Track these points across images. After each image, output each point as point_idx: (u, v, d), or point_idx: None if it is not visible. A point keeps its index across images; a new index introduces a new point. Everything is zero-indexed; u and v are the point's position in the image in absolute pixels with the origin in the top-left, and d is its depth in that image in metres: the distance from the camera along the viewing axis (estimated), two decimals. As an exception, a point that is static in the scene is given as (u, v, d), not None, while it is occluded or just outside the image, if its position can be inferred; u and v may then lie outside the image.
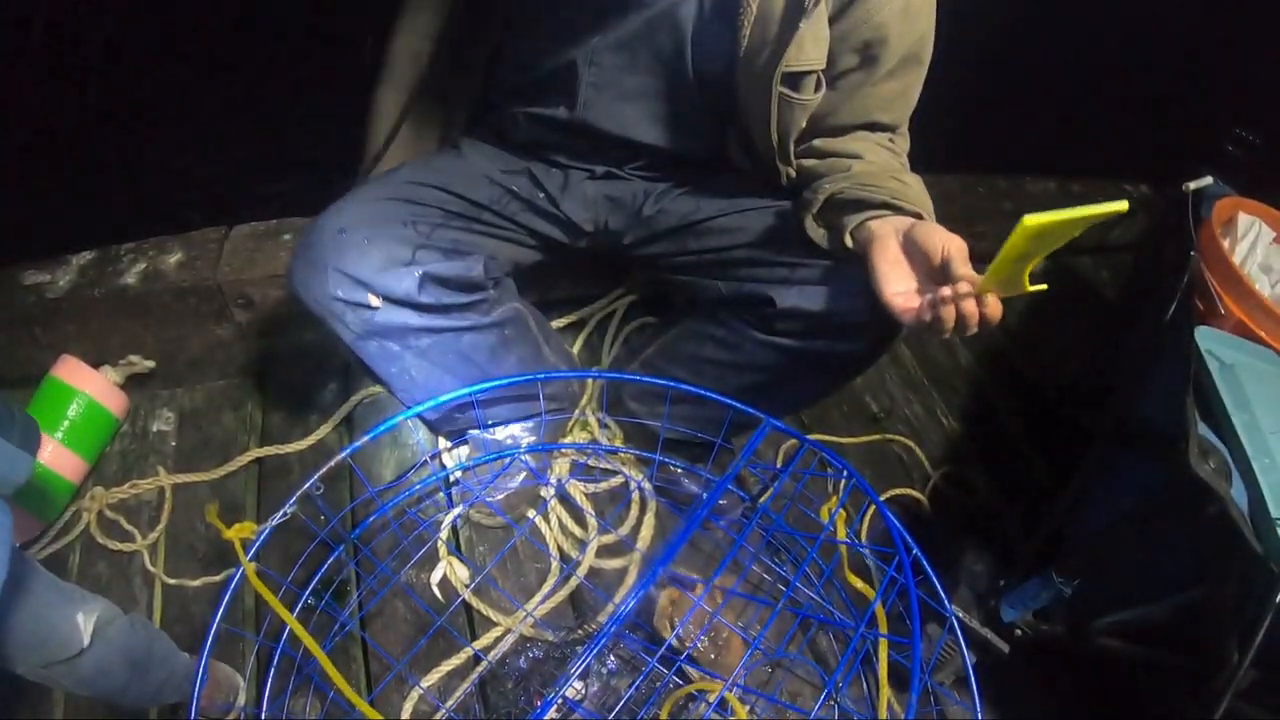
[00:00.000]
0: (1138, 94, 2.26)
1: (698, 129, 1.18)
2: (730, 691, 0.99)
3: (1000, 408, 1.87)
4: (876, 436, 1.69)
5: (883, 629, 1.03)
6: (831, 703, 1.17)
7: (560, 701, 1.16)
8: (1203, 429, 1.12)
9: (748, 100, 1.09)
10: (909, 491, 1.60)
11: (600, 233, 1.28)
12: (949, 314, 0.90)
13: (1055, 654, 1.28)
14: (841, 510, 1.04)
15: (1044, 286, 0.92)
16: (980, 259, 2.08)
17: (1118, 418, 1.29)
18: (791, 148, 1.11)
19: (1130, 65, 2.24)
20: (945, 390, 1.85)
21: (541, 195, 1.25)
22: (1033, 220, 0.80)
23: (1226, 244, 1.57)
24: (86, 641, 1.08)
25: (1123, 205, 0.80)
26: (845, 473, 1.03)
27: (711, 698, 1.08)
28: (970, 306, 0.89)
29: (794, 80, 1.03)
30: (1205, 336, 1.33)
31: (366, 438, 1.12)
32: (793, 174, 1.15)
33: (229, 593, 1.06)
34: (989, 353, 1.97)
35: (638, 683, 1.13)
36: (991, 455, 1.73)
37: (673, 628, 1.16)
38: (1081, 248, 2.27)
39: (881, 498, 1.48)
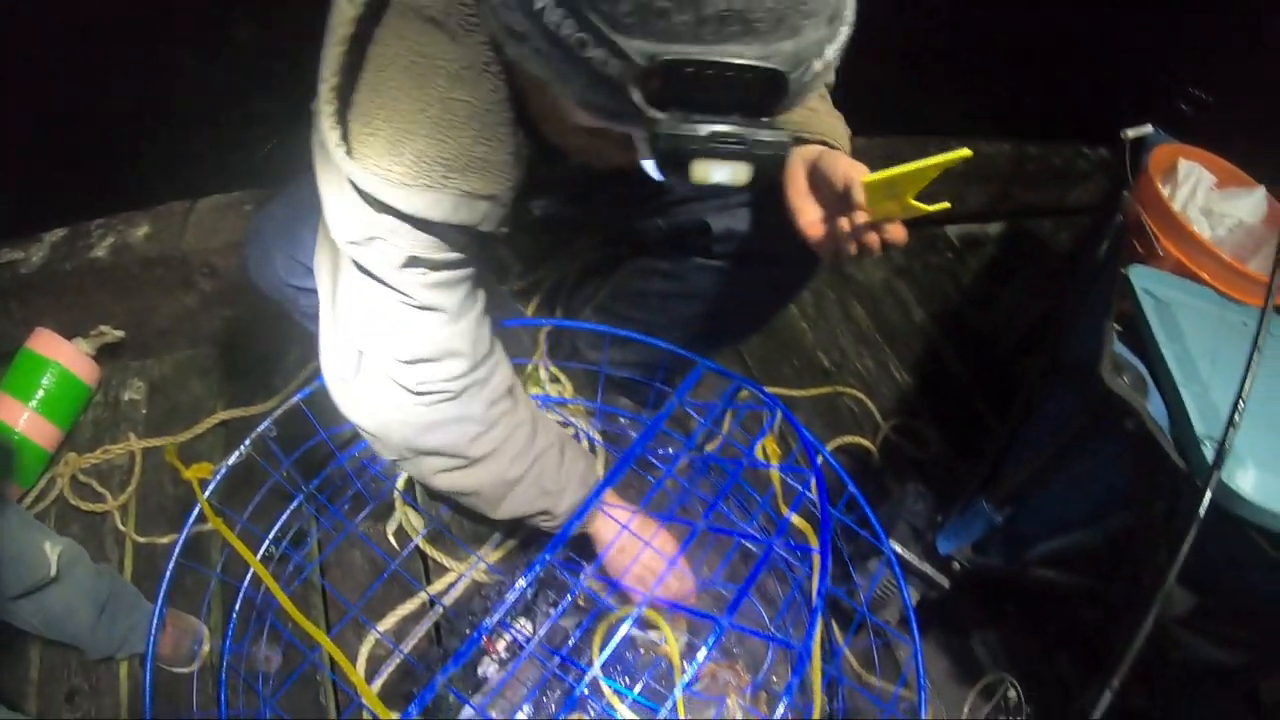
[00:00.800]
0: (1095, 54, 2.27)
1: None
2: (658, 614, 1.02)
3: (953, 362, 1.90)
4: (827, 389, 1.73)
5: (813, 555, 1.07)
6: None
7: (509, 640, 1.20)
8: (1121, 349, 1.14)
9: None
10: (858, 440, 1.63)
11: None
12: (849, 243, 0.92)
13: (996, 587, 1.31)
14: (767, 438, 1.08)
15: (945, 205, 0.94)
16: (931, 221, 2.12)
17: (1048, 354, 1.32)
18: None
19: (1086, 25, 2.25)
20: (898, 345, 1.89)
21: None
22: (869, 178, 0.84)
23: (1167, 191, 1.60)
24: (54, 571, 1.13)
25: (965, 152, 0.82)
26: (771, 404, 1.07)
27: (641, 619, 1.12)
28: (870, 237, 0.91)
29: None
30: (1141, 275, 1.35)
31: (318, 382, 1.17)
32: None
33: (187, 526, 1.11)
34: (943, 309, 2.01)
35: (586, 623, 1.17)
36: (943, 408, 1.76)
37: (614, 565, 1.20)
38: (1041, 210, 2.30)
39: (829, 446, 1.53)
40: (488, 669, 1.16)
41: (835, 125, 1.07)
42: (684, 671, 1.05)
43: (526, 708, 1.11)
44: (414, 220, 0.84)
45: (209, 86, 1.53)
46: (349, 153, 0.79)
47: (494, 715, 1.09)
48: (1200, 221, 1.58)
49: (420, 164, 0.80)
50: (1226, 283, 1.47)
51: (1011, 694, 1.26)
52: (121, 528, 1.44)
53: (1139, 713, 1.38)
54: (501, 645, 1.17)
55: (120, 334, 1.60)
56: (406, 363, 0.95)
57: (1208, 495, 1.00)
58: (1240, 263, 1.48)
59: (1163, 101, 2.10)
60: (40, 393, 1.49)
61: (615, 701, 1.03)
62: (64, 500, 1.47)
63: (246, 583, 1.27)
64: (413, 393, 0.97)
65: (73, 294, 1.56)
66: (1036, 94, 2.27)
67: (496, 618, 0.98)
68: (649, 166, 0.71)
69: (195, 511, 1.13)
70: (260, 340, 1.66)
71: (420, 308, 0.92)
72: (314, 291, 1.10)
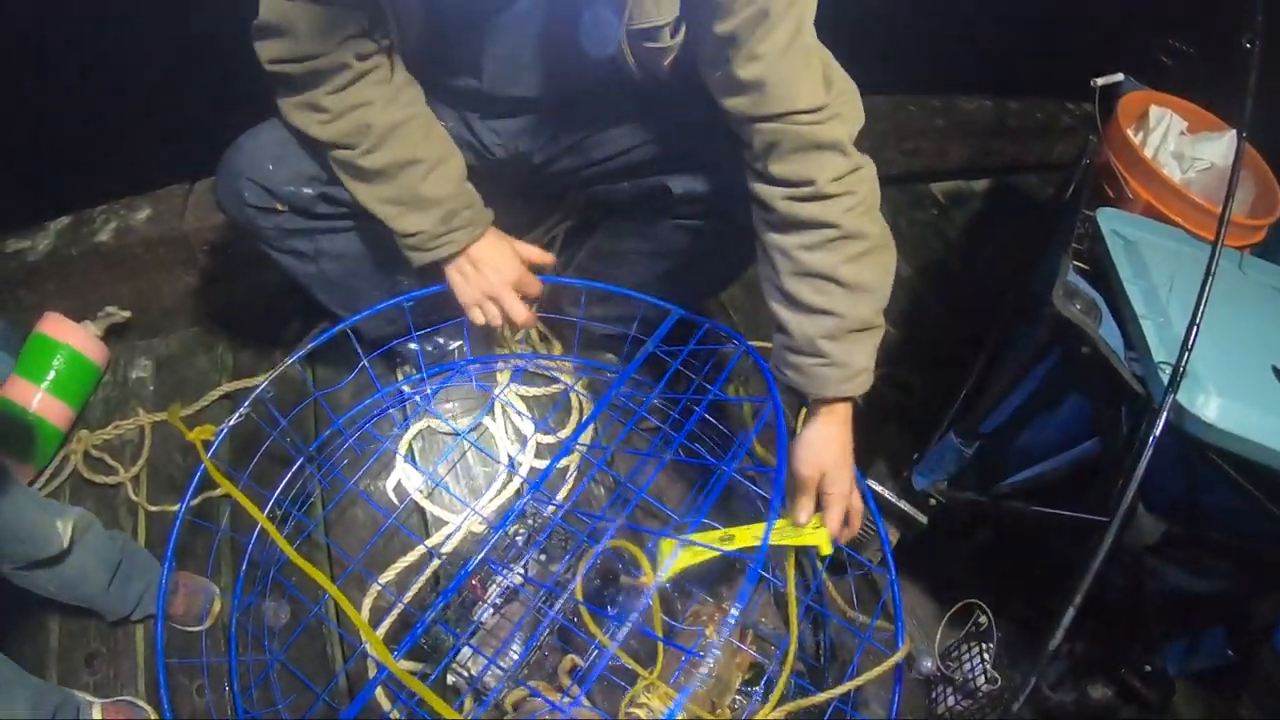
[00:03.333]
0: (1075, 8, 2.28)
1: (594, 75, 1.25)
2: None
3: (938, 313, 1.93)
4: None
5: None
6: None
7: (503, 585, 1.24)
8: (1075, 279, 1.18)
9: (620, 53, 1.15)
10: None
11: (511, 158, 1.37)
12: None
13: (972, 521, 1.35)
14: (732, 373, 1.13)
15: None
16: (915, 178, 2.11)
17: (1017, 293, 1.35)
18: (665, 72, 1.18)
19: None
20: (883, 298, 1.92)
21: (457, 116, 1.34)
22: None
23: (1140, 137, 1.63)
24: (66, 544, 1.18)
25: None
26: (737, 341, 1.11)
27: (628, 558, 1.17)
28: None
29: (647, 34, 1.09)
30: (1109, 217, 1.39)
31: (311, 344, 1.23)
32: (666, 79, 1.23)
33: (192, 485, 1.16)
34: (928, 263, 2.04)
35: (567, 559, 1.22)
36: (927, 356, 1.79)
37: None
38: (1027, 165, 2.32)
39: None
40: (483, 614, 1.21)
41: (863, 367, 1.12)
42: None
43: (517, 644, 1.16)
44: None
45: (200, 72, 1.58)
46: None
47: (487, 653, 1.14)
48: (1171, 165, 1.61)
49: None
50: (1197, 223, 1.49)
51: (983, 619, 1.30)
52: (134, 498, 1.50)
53: (1123, 646, 1.42)
54: (494, 591, 1.22)
55: (127, 314, 1.66)
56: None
57: (1164, 414, 1.03)
58: (1211, 203, 1.51)
59: (1145, 54, 2.11)
60: (52, 374, 1.55)
61: (596, 631, 1.08)
62: (78, 475, 1.53)
63: (253, 541, 1.33)
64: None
65: (79, 278, 1.63)
66: (1017, 50, 2.28)
67: (480, 555, 1.02)
68: None
69: (199, 471, 1.18)
70: (262, 314, 1.72)
71: None
72: (273, 212, 1.22)
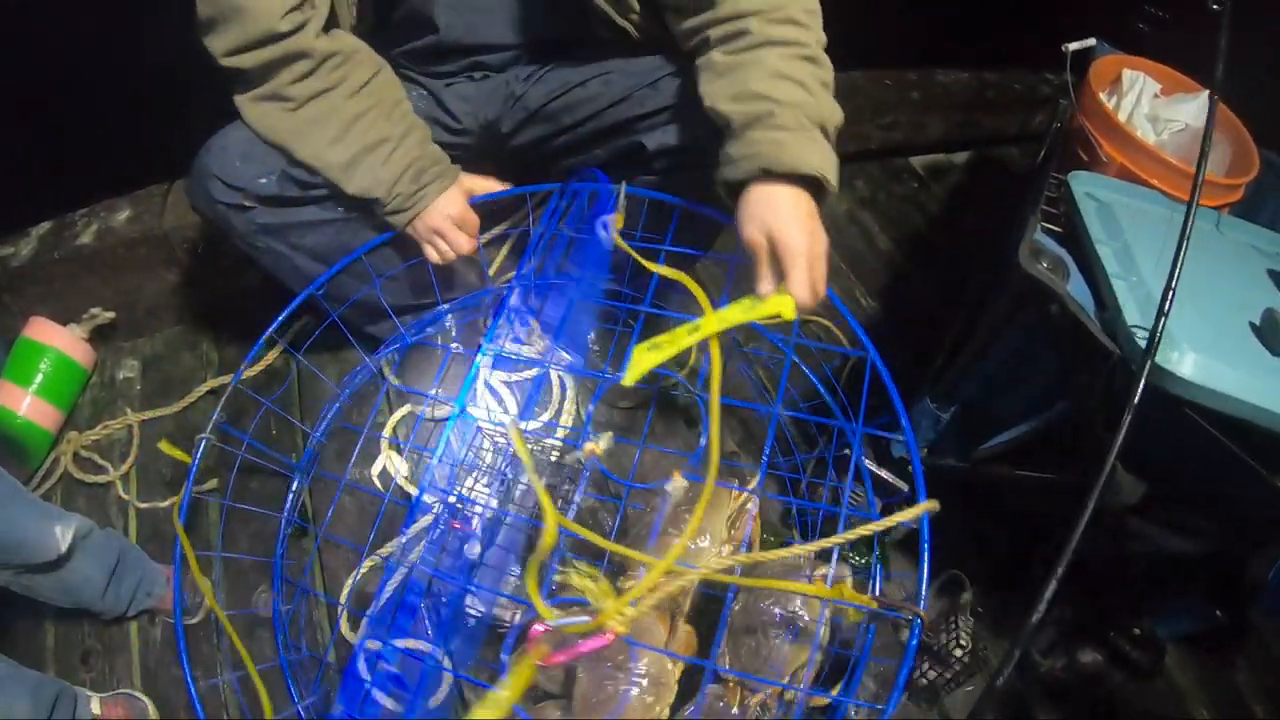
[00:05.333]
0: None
1: (552, 17, 1.28)
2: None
3: (920, 286, 1.93)
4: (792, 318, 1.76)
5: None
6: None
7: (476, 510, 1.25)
8: (1043, 239, 1.18)
9: None
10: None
11: (481, 127, 1.38)
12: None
13: (953, 488, 1.35)
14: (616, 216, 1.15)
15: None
16: (893, 152, 2.11)
17: (992, 262, 1.36)
18: (634, 2, 1.22)
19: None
20: (863, 273, 1.93)
21: (422, 91, 1.35)
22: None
23: (1113, 101, 1.63)
24: (64, 549, 1.19)
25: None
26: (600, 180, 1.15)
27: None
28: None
29: None
30: (1082, 180, 1.39)
31: (282, 314, 1.25)
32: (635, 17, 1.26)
33: (188, 486, 1.17)
34: (908, 236, 2.04)
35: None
36: (910, 330, 1.80)
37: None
38: (1006, 137, 2.32)
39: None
40: (472, 549, 1.21)
41: (804, 150, 1.05)
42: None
43: (517, 567, 1.16)
44: None
45: (175, 71, 1.58)
46: None
47: (487, 585, 1.14)
48: (1145, 127, 1.61)
49: None
50: (1172, 185, 1.49)
51: (966, 596, 1.30)
52: (124, 496, 1.51)
53: (1112, 610, 1.43)
54: (475, 524, 1.22)
55: (111, 315, 1.67)
56: None
57: (1143, 378, 1.03)
58: (1186, 164, 1.51)
59: (1119, 22, 2.11)
60: (39, 378, 1.56)
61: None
62: (69, 476, 1.54)
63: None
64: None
65: (63, 281, 1.64)
66: (993, 21, 2.27)
67: (427, 478, 1.00)
68: None
69: (193, 471, 1.19)
70: (245, 309, 1.72)
71: None
72: (243, 209, 1.24)
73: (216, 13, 1.07)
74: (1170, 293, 1.01)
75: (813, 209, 1.03)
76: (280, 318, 1.26)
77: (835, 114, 1.07)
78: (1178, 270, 1.02)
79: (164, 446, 1.29)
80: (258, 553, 1.40)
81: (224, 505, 1.40)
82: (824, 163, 1.02)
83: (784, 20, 1.07)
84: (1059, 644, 1.45)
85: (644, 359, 0.97)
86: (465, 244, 1.31)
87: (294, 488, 1.39)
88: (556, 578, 0.93)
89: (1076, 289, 1.13)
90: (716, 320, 1.00)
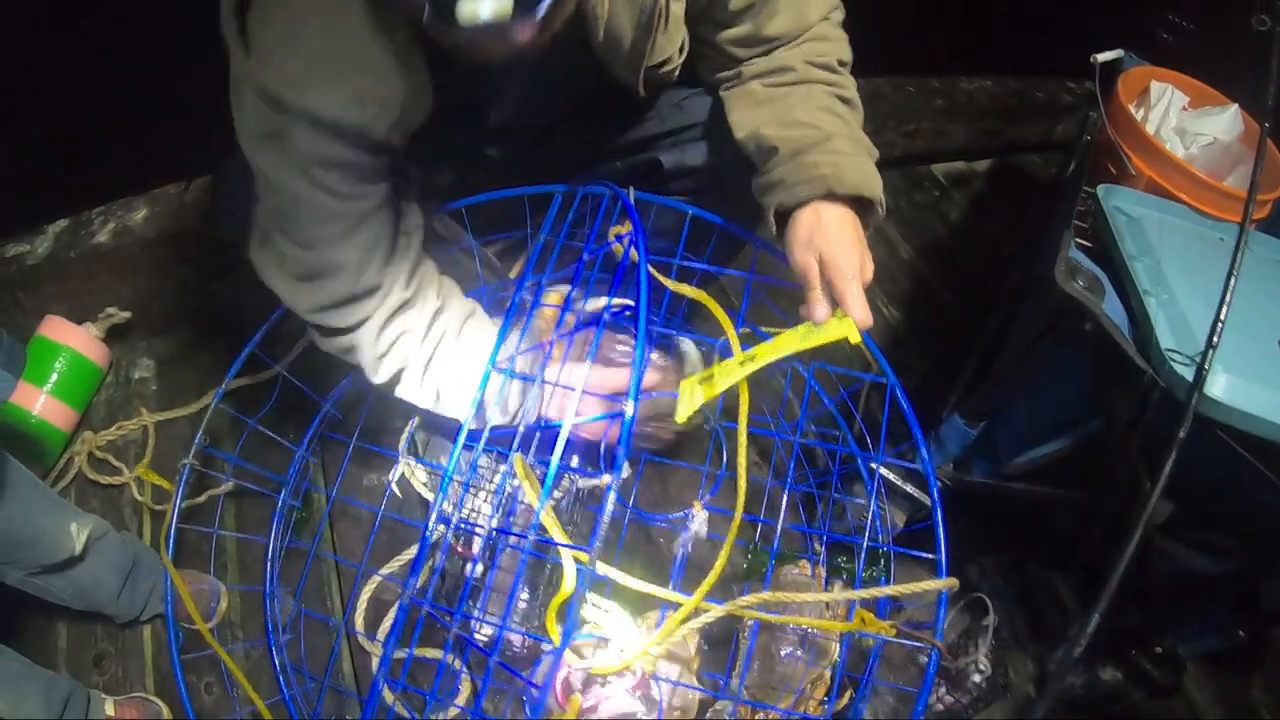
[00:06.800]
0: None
1: (588, 94, 1.26)
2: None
3: (941, 295, 1.92)
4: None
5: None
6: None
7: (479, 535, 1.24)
8: (1078, 255, 1.16)
9: (623, 77, 1.16)
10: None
11: (506, 151, 1.36)
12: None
13: (979, 503, 1.34)
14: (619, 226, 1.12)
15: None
16: (915, 160, 2.09)
17: (1020, 273, 1.35)
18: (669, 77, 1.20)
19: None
20: (885, 282, 1.91)
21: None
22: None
23: (1141, 113, 1.61)
24: (78, 549, 1.18)
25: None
26: (609, 189, 1.12)
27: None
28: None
29: (659, 65, 1.13)
30: (1111, 194, 1.38)
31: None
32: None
33: (181, 485, 1.16)
34: (930, 245, 2.03)
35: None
36: (932, 340, 1.78)
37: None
38: (1029, 145, 2.31)
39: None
40: (474, 572, 1.20)
41: (864, 171, 1.06)
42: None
43: (525, 591, 1.15)
44: (307, 117, 0.88)
45: (195, 69, 1.57)
46: (247, 51, 0.86)
47: (493, 612, 1.13)
48: (1173, 140, 1.59)
49: (313, 61, 0.86)
50: (1202, 199, 1.48)
51: (986, 616, 1.29)
52: (139, 498, 1.50)
53: (1133, 627, 1.42)
54: (476, 546, 1.20)
55: (127, 315, 1.66)
56: (300, 247, 1.01)
57: (1189, 415, 1.01)
58: (1215, 179, 1.50)
59: (1143, 31, 2.09)
60: (54, 377, 1.55)
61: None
62: (83, 476, 1.53)
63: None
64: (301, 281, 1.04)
65: (79, 280, 1.63)
66: (1016, 29, 2.26)
67: (433, 516, 0.99)
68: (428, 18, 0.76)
69: (184, 473, 1.18)
70: (261, 309, 1.71)
71: (316, 205, 0.97)
72: None
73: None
74: (1219, 323, 0.99)
75: (862, 230, 1.03)
76: (258, 335, 1.27)
77: (874, 149, 1.09)
78: (1227, 299, 1.00)
79: (143, 473, 1.30)
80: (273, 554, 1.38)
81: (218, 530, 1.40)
82: (879, 185, 1.03)
83: (824, 65, 1.10)
84: (1078, 660, 1.43)
85: (695, 394, 0.94)
86: None
87: (279, 505, 1.39)
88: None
89: (1110, 306, 1.12)
90: (771, 349, 0.98)
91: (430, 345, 1.12)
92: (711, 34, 1.14)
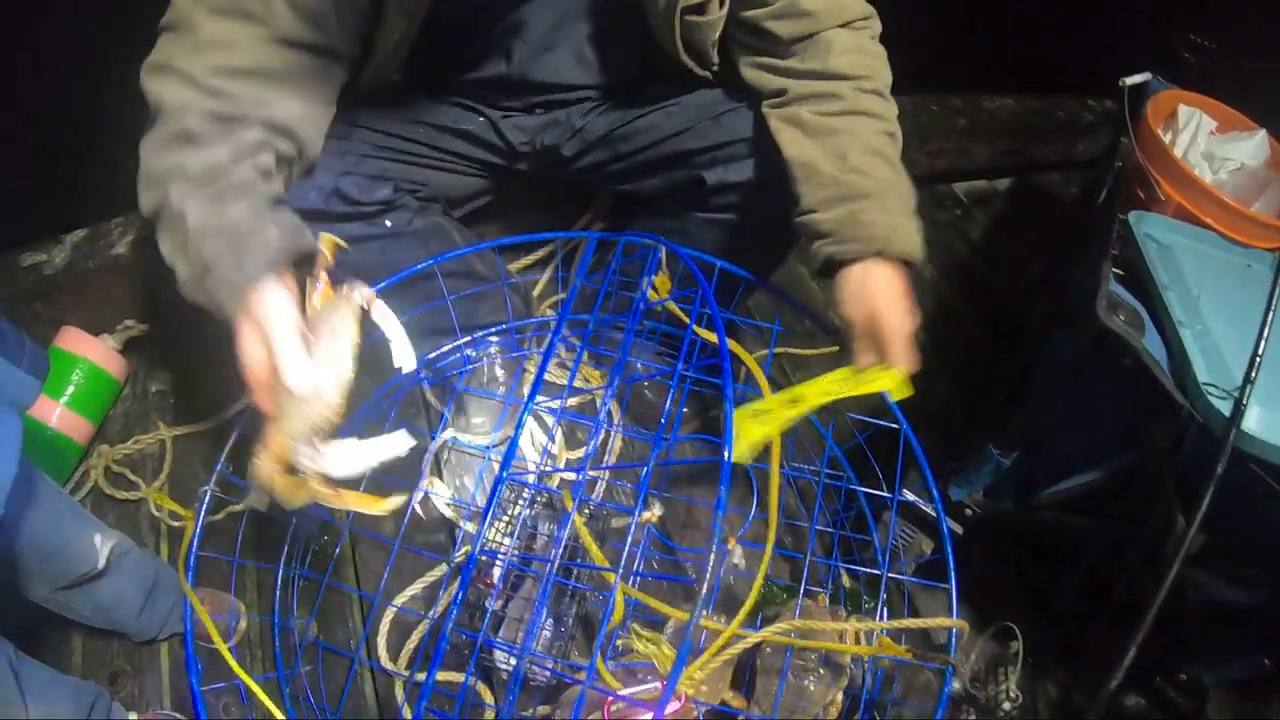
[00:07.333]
0: (1097, 5, 2.26)
1: (621, 60, 1.27)
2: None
3: (964, 316, 1.92)
4: (838, 349, 1.74)
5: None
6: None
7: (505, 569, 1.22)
8: (1118, 289, 1.16)
9: (659, 31, 1.17)
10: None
11: (538, 151, 1.36)
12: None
13: (1008, 531, 1.33)
14: (657, 276, 1.11)
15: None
16: (937, 179, 2.09)
17: (1051, 300, 1.34)
18: (713, 53, 1.19)
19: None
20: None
21: (480, 119, 1.33)
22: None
23: (1168, 137, 1.61)
24: (102, 564, 1.17)
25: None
26: (652, 239, 1.12)
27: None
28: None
29: (697, 8, 1.12)
30: (1141, 220, 1.37)
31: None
32: (714, 68, 1.25)
33: (200, 518, 1.14)
34: (952, 264, 2.02)
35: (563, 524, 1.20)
36: (956, 361, 1.78)
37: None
38: (1049, 164, 2.31)
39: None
40: (494, 604, 1.19)
41: (912, 234, 1.10)
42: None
43: (547, 623, 1.14)
44: None
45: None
46: None
47: (516, 642, 1.12)
48: (1201, 166, 1.59)
49: None
50: (1229, 225, 1.48)
51: (1014, 645, 1.29)
52: (156, 514, 1.48)
53: (1159, 654, 1.40)
54: (495, 574, 1.20)
55: (145, 327, 1.64)
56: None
57: (1227, 450, 1.02)
58: (1243, 205, 1.49)
59: (1164, 50, 2.09)
60: (71, 389, 1.53)
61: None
62: (99, 490, 1.51)
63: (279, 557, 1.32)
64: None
65: (97, 291, 1.61)
66: (1037, 47, 2.26)
67: (458, 552, 0.98)
68: None
69: (206, 494, 1.17)
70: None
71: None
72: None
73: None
74: (1257, 360, 0.99)
75: (907, 287, 1.07)
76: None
77: (914, 194, 1.13)
78: (1265, 333, 1.00)
79: (158, 499, 1.28)
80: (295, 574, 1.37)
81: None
82: (921, 245, 1.09)
83: (872, 91, 1.13)
84: (1101, 685, 1.43)
85: (750, 430, 0.92)
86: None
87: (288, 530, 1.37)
88: (618, 642, 0.92)
89: (1150, 340, 1.11)
90: (818, 393, 0.99)
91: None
92: (755, 71, 1.17)
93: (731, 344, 1.09)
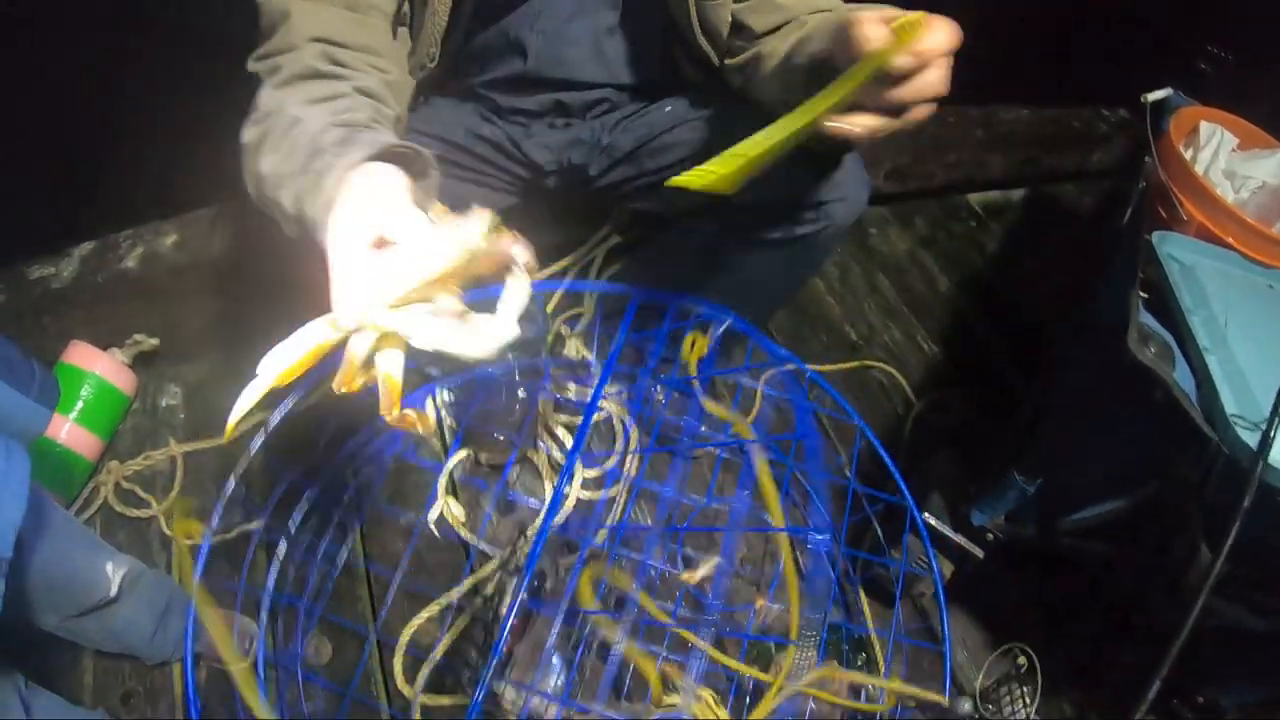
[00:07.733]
0: (1112, 15, 2.25)
1: (637, 55, 1.25)
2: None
3: (981, 330, 1.91)
4: (855, 364, 1.74)
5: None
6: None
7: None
8: (1147, 318, 1.14)
9: (675, 12, 1.16)
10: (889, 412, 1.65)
11: (565, 169, 1.35)
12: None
13: (1029, 556, 1.33)
14: (692, 336, 1.10)
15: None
16: (953, 190, 2.07)
17: (1075, 321, 1.32)
18: (725, 33, 1.18)
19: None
20: (924, 316, 1.90)
21: (506, 139, 1.31)
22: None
23: (1190, 154, 1.59)
24: (114, 591, 1.15)
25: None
26: (714, 315, 1.13)
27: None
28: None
29: None
30: (1164, 241, 1.35)
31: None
32: (737, 73, 1.22)
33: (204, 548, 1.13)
34: (968, 278, 2.02)
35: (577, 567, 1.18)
36: (974, 377, 1.77)
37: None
38: (1064, 174, 2.29)
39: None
40: (504, 641, 1.17)
41: None
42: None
43: (556, 663, 1.13)
44: None
45: (225, 93, 1.54)
46: None
47: (527, 680, 1.10)
48: (1223, 184, 1.57)
49: None
50: (1250, 246, 1.46)
51: (1022, 660, 1.28)
52: (167, 531, 1.47)
53: (1176, 683, 1.40)
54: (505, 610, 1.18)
55: (155, 342, 1.63)
56: None
57: (1254, 485, 1.00)
58: (1264, 225, 1.48)
59: (1180, 61, 2.08)
60: (80, 404, 1.51)
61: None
62: (109, 508, 1.50)
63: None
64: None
65: (106, 305, 1.59)
66: (1052, 57, 2.25)
67: (509, 617, 0.97)
68: None
69: (218, 510, 1.15)
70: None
71: None
72: None
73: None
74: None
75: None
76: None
77: None
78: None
79: (179, 527, 1.26)
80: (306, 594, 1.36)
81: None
82: None
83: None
84: (1115, 707, 1.42)
85: (728, 162, 0.79)
86: None
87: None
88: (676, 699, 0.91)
89: (1180, 372, 1.10)
90: (804, 113, 0.78)
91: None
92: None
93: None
